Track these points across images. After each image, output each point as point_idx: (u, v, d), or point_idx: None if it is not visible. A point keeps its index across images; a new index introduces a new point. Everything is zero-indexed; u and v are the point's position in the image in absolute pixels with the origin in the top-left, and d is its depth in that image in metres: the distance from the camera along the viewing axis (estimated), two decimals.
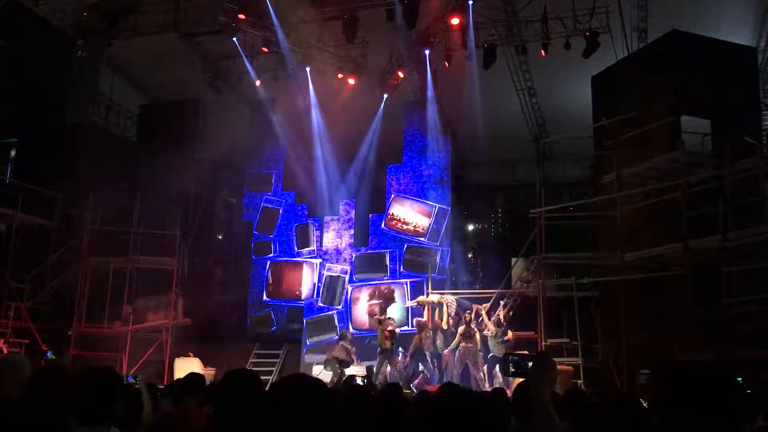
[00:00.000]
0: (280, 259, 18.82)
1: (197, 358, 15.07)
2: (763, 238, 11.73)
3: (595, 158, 16.50)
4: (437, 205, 17.78)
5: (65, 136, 17.14)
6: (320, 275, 18.28)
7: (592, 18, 15.47)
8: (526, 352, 7.42)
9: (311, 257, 18.55)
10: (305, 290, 18.32)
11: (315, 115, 18.82)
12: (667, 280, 13.08)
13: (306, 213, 18.91)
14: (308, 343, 17.63)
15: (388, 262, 17.79)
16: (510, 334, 14.38)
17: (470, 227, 22.69)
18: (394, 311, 17.11)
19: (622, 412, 3.28)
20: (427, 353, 14.32)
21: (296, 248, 18.76)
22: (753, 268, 12.26)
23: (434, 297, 15.79)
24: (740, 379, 9.79)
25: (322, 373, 14.20)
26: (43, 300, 16.03)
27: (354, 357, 14.70)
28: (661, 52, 14.64)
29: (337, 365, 14.14)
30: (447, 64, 16.90)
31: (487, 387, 13.13)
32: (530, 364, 2.43)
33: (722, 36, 14.61)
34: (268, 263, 18.86)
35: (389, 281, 17.69)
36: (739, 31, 15.96)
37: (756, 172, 12.21)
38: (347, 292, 17.92)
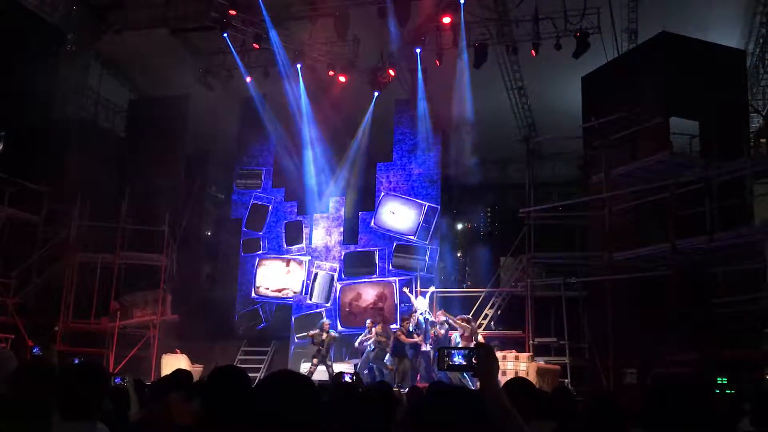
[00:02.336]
0: (268, 256, 18.78)
1: (184, 355, 15.00)
2: (749, 240, 11.82)
3: (585, 158, 16.57)
4: (426, 204, 17.79)
5: (53, 130, 17.00)
6: (309, 272, 18.26)
7: (582, 19, 15.51)
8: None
9: (300, 254, 18.52)
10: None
11: (305, 112, 18.78)
12: (655, 280, 13.16)
13: (295, 210, 18.88)
14: (296, 340, 17.60)
15: (377, 260, 17.79)
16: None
17: (459, 226, 22.72)
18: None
19: (607, 411, 3.30)
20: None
21: (285, 245, 18.72)
22: (739, 269, 12.37)
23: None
24: (725, 379, 9.89)
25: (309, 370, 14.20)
26: (29, 295, 15.92)
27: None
28: (650, 53, 14.71)
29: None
30: (438, 62, 16.91)
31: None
32: (474, 357, 2.40)
33: (711, 38, 14.70)
34: (257, 260, 18.81)
35: (378, 279, 17.70)
36: (728, 34, 16.06)
37: (743, 174, 12.30)
38: (336, 290, 17.91)
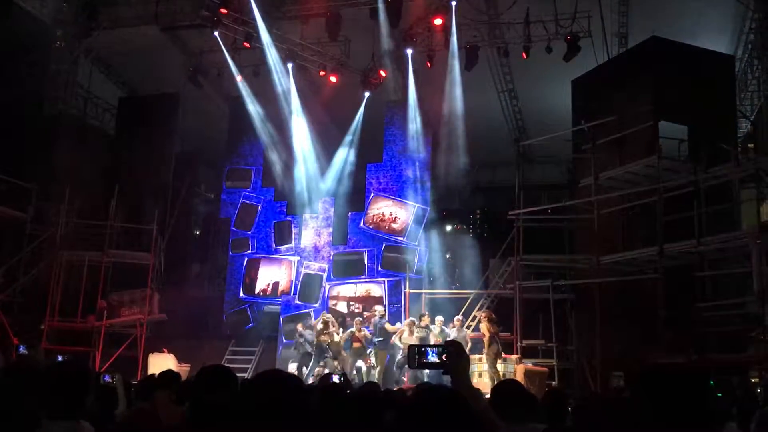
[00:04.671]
0: (257, 255, 18.73)
1: (171, 355, 14.91)
2: (735, 244, 11.90)
3: (574, 161, 16.63)
4: (416, 205, 17.80)
5: (42, 127, 16.89)
6: (298, 273, 18.21)
7: (573, 22, 15.57)
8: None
9: (289, 254, 18.48)
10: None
11: (296, 111, 18.75)
12: (642, 283, 13.22)
13: (285, 210, 18.84)
14: (284, 340, 17.55)
15: (366, 261, 17.77)
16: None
17: (448, 228, 22.73)
18: None
19: (598, 412, 3.30)
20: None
21: (274, 245, 18.68)
22: (726, 273, 12.44)
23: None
24: (711, 382, 9.94)
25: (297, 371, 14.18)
26: (15, 293, 15.78)
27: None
28: (640, 57, 14.79)
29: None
30: (429, 64, 16.93)
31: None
32: (444, 355, 2.40)
33: (701, 43, 14.80)
34: (246, 260, 18.75)
35: (367, 280, 17.68)
36: (717, 39, 16.18)
37: (731, 179, 12.38)
38: (325, 290, 17.88)
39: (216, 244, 21.16)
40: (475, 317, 15.49)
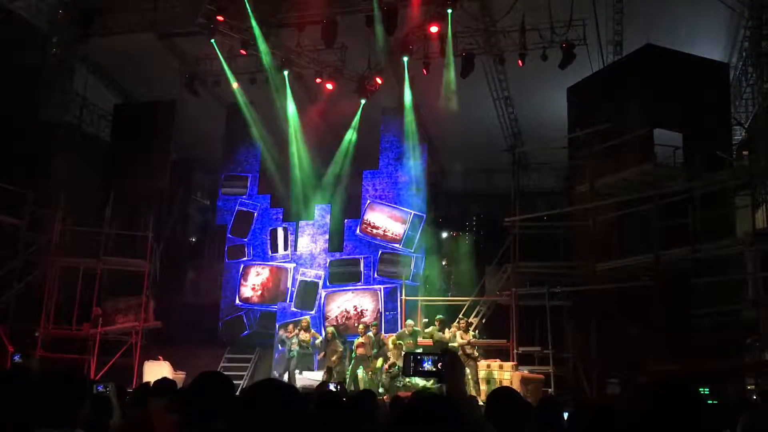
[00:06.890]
0: (253, 262, 18.70)
1: (167, 362, 14.86)
2: (731, 251, 11.93)
3: (570, 168, 16.66)
4: (412, 212, 17.80)
5: (37, 134, 16.86)
6: (294, 280, 18.19)
7: (568, 30, 15.64)
8: None
9: (285, 261, 18.46)
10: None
11: (292, 118, 18.76)
12: (638, 290, 13.23)
13: (281, 217, 18.83)
14: (280, 348, 17.50)
15: (362, 268, 17.76)
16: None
17: (445, 234, 22.74)
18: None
19: (595, 420, 3.30)
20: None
21: (270, 252, 18.66)
22: (721, 280, 12.47)
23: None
24: (707, 390, 9.95)
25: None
26: (10, 300, 15.71)
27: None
28: (635, 65, 14.85)
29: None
30: (425, 71, 16.96)
31: None
32: (439, 363, 2.41)
33: (696, 51, 14.86)
34: (242, 267, 18.73)
35: (363, 287, 17.66)
36: (711, 47, 16.25)
37: (726, 186, 12.42)
38: (321, 297, 17.86)
39: (212, 251, 21.11)
40: (471, 324, 15.48)
